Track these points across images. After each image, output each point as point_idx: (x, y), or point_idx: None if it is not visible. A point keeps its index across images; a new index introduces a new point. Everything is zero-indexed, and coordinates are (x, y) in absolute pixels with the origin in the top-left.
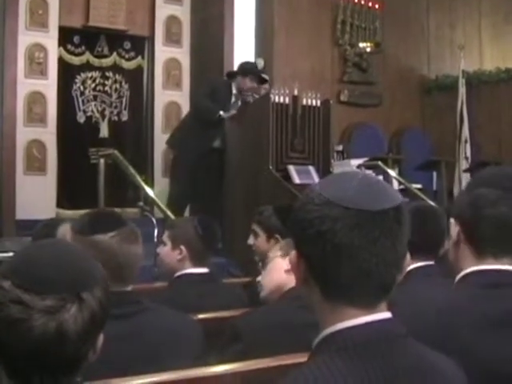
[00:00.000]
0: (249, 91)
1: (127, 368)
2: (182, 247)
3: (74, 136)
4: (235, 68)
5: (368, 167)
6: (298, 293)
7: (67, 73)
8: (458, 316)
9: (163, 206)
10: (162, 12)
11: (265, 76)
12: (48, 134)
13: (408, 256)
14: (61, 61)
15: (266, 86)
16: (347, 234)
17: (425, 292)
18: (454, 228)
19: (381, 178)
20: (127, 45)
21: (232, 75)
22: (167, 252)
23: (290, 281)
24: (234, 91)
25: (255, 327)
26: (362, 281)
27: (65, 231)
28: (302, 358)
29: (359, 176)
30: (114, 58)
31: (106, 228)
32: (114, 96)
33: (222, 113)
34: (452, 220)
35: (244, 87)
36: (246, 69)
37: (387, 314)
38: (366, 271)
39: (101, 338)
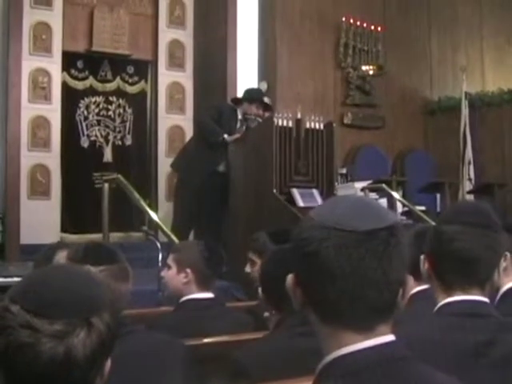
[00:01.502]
0: (253, 116)
1: None
2: (188, 270)
3: (78, 160)
4: (238, 92)
5: (372, 190)
6: (298, 319)
7: (71, 97)
8: (430, 349)
9: (167, 230)
10: (165, 36)
11: (269, 102)
12: (52, 159)
13: (411, 281)
14: (64, 85)
15: (270, 112)
16: (330, 255)
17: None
18: (423, 265)
19: (384, 200)
20: (130, 69)
21: (238, 101)
22: (172, 275)
23: None
24: (240, 117)
25: (259, 360)
26: (349, 303)
27: (61, 258)
28: (307, 381)
29: (351, 198)
30: (117, 82)
31: (98, 261)
32: (118, 120)
33: (226, 136)
34: (422, 257)
35: (250, 113)
36: (253, 96)
37: (389, 337)
38: (350, 294)
39: (108, 363)
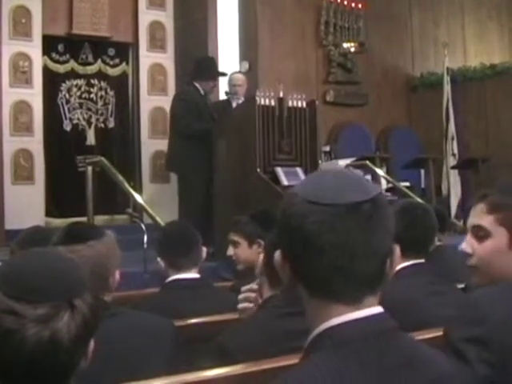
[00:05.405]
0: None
1: (100, 373)
2: (158, 258)
3: (61, 144)
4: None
5: (356, 167)
6: (281, 300)
7: (52, 81)
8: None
9: (152, 212)
10: (146, 18)
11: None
12: (35, 143)
13: (398, 251)
14: (45, 69)
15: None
16: (316, 230)
17: None
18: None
19: (369, 177)
20: (111, 51)
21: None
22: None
23: None
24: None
25: (243, 343)
26: (338, 277)
27: None
28: (297, 359)
29: (334, 172)
30: (98, 65)
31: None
32: (100, 103)
33: None
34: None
35: (208, 89)
36: (205, 73)
37: (377, 309)
38: (338, 268)
39: (92, 345)
